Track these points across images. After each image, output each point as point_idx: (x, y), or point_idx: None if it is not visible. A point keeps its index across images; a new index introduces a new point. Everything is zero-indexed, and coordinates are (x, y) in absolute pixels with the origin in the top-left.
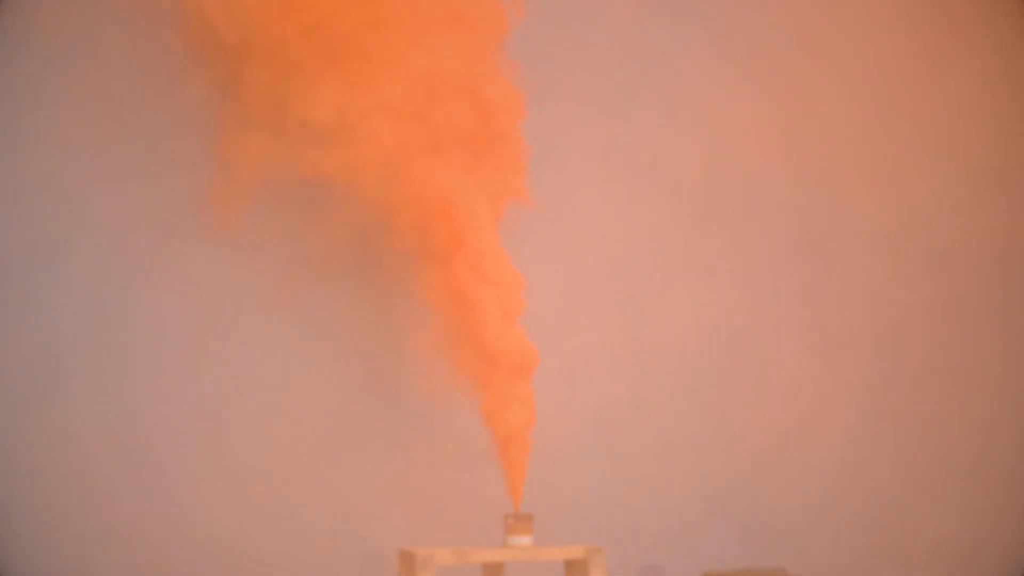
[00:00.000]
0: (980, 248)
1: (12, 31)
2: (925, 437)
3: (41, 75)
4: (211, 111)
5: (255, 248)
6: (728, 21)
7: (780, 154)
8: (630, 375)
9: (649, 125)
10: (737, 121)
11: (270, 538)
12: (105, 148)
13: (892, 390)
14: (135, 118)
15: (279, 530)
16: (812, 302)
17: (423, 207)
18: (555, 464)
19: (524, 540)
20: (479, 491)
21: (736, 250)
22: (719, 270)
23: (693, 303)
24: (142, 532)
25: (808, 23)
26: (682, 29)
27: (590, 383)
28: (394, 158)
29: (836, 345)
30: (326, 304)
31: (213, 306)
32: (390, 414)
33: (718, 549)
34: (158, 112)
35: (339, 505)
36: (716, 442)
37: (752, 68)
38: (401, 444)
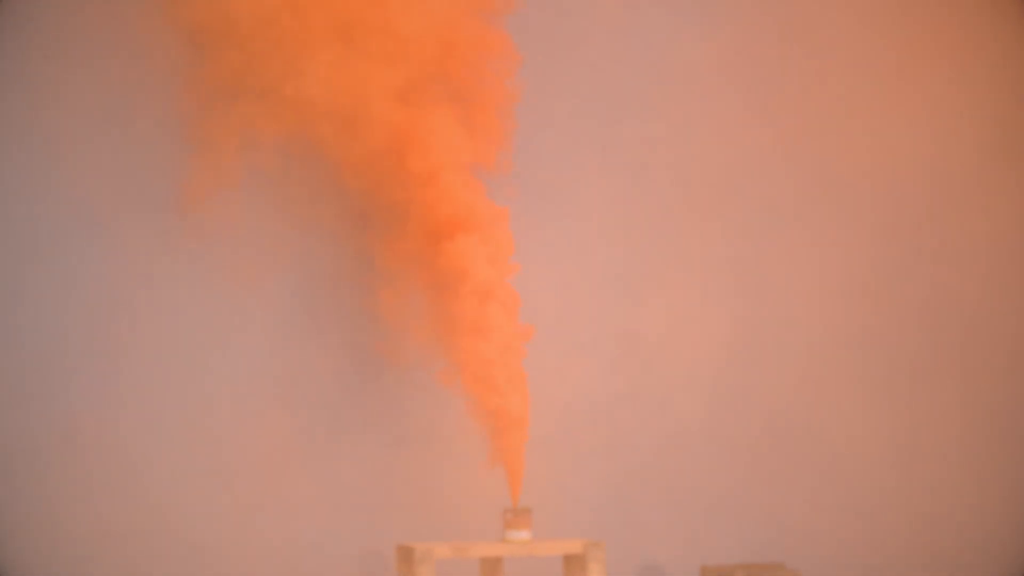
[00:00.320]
0: (980, 246)
1: (12, 31)
2: (925, 434)
3: (41, 75)
4: (211, 111)
5: (240, 241)
6: (727, 17)
7: (777, 149)
8: (629, 369)
9: (646, 120)
10: (735, 116)
11: (269, 535)
12: (105, 147)
13: (893, 387)
14: (135, 117)
15: (278, 527)
16: (811, 297)
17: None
18: (554, 458)
19: (523, 535)
20: (477, 486)
21: (734, 244)
22: (718, 264)
23: (692, 297)
24: (139, 529)
25: (807, 20)
26: (681, 26)
27: (589, 378)
28: (383, 141)
29: (835, 341)
30: (321, 299)
31: (209, 304)
32: (387, 409)
33: (717, 543)
34: (158, 112)
35: (337, 501)
36: (715, 436)
37: (751, 64)
38: (398, 439)
